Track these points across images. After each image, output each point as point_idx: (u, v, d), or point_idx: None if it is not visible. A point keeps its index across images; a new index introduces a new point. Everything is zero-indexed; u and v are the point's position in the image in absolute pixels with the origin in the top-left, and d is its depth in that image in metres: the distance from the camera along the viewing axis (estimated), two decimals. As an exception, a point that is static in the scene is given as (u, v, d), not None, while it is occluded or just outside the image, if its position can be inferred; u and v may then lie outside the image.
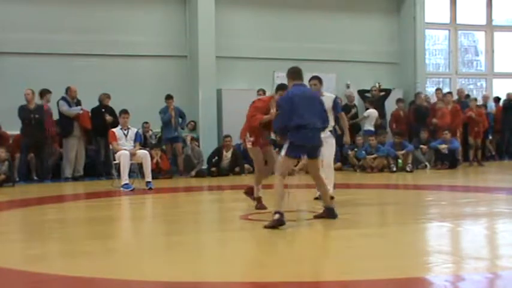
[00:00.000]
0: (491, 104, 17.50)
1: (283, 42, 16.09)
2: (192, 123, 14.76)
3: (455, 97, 16.62)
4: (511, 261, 5.06)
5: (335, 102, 8.98)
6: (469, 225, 6.98)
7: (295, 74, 7.17)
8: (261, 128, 8.03)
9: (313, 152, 7.01)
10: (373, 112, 15.34)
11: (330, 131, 8.86)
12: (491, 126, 16.72)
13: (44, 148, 13.18)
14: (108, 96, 13.64)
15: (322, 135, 8.56)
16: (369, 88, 16.30)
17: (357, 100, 16.20)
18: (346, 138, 9.39)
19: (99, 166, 13.68)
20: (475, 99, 16.34)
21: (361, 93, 16.18)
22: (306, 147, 6.91)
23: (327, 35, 16.59)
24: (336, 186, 9.41)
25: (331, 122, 8.77)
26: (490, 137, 17.07)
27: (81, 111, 13.23)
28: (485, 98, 17.31)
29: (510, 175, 13.75)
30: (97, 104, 13.70)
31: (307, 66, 15.46)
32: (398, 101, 16.07)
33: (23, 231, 7.34)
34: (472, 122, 15.52)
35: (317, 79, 8.81)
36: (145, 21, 15.24)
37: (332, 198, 8.89)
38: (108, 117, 13.28)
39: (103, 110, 13.49)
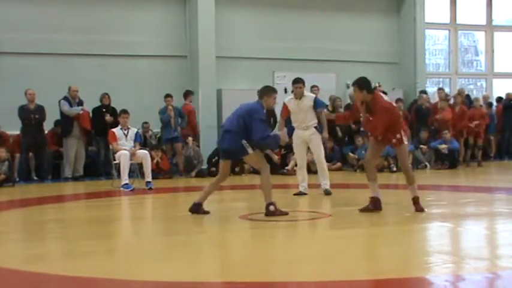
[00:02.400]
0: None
1: (283, 42, 16.10)
2: None
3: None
4: (511, 261, 5.05)
5: (315, 101, 9.47)
6: (469, 225, 6.98)
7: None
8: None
9: (223, 154, 7.69)
10: None
11: (315, 127, 9.25)
12: (491, 126, 16.71)
13: (44, 148, 13.19)
14: (105, 96, 13.60)
15: (308, 133, 9.11)
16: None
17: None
18: (324, 134, 9.61)
19: (99, 166, 13.71)
20: (477, 99, 16.38)
21: None
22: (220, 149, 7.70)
23: (327, 35, 16.60)
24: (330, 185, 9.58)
25: (314, 120, 9.41)
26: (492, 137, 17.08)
27: (81, 111, 13.23)
28: (486, 98, 17.31)
29: (510, 175, 13.75)
30: (97, 103, 13.71)
31: (307, 66, 15.74)
32: (398, 100, 16.07)
33: (23, 231, 7.34)
34: (470, 121, 15.53)
35: (301, 82, 9.47)
36: (145, 21, 15.24)
37: (329, 193, 9.22)
38: (108, 118, 13.29)
39: (104, 109, 13.50)
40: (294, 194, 9.53)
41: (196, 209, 7.63)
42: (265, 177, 7.42)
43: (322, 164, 9.53)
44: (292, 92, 9.74)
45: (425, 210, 7.40)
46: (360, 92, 7.31)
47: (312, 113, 9.39)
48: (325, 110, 10.17)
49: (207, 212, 7.65)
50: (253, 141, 7.32)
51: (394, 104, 7.57)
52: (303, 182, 9.59)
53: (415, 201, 7.42)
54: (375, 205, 7.49)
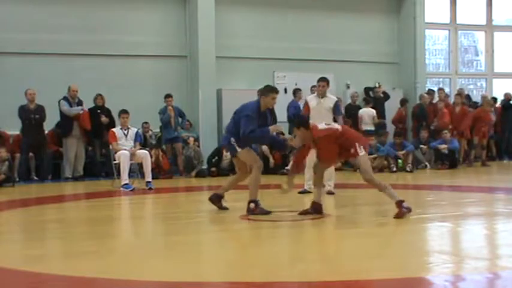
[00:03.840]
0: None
1: (283, 42, 16.10)
2: (187, 123, 14.74)
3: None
4: (511, 261, 5.05)
5: (336, 105, 9.53)
6: (469, 225, 6.98)
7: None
8: None
9: None
10: (366, 111, 15.27)
11: None
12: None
13: (44, 148, 13.19)
14: (98, 97, 13.58)
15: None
16: (372, 88, 16.34)
17: (361, 100, 16.17)
18: None
19: (97, 166, 13.72)
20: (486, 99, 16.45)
21: (366, 91, 16.24)
22: None
23: (327, 35, 16.60)
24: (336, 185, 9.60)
25: (330, 122, 9.19)
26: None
27: (81, 111, 13.23)
28: (483, 98, 17.28)
29: (510, 175, 13.75)
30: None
31: (307, 66, 15.74)
32: (403, 101, 16.13)
33: (23, 231, 7.33)
34: (479, 122, 15.52)
35: (326, 81, 9.50)
36: (145, 21, 15.25)
37: (332, 193, 9.23)
38: (104, 119, 13.30)
39: (98, 111, 13.48)
40: (299, 192, 9.55)
41: (214, 199, 8.02)
42: (254, 175, 7.57)
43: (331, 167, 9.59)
44: (312, 88, 9.77)
45: (406, 215, 6.96)
46: (299, 131, 7.13)
47: (330, 115, 9.39)
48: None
49: (224, 208, 7.94)
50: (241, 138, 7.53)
51: (335, 126, 7.31)
52: (309, 180, 9.60)
53: (397, 205, 6.99)
54: (315, 210, 7.39)
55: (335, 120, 9.51)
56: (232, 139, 7.57)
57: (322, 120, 9.33)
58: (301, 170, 8.02)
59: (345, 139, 7.13)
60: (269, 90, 7.70)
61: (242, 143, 7.55)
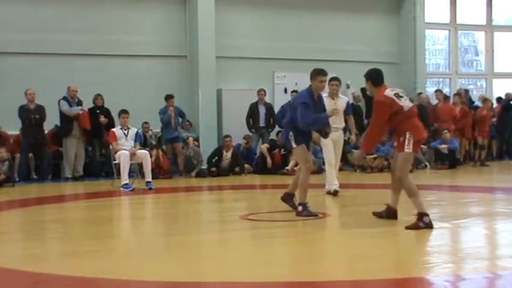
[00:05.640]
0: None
1: (283, 42, 16.10)
2: (188, 123, 14.73)
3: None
4: (511, 261, 5.06)
5: (347, 105, 9.57)
6: (469, 225, 6.97)
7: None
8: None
9: None
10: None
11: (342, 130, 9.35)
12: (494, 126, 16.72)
13: (44, 148, 13.18)
14: (98, 97, 13.59)
15: (337, 134, 9.01)
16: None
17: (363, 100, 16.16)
18: (353, 137, 9.65)
19: (96, 166, 13.72)
20: (486, 99, 16.44)
21: (363, 90, 16.23)
22: None
23: (327, 35, 16.59)
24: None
25: (343, 123, 9.26)
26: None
27: (81, 111, 13.23)
28: (482, 98, 17.26)
29: (510, 175, 13.74)
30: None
31: (307, 66, 15.43)
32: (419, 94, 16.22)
33: (23, 231, 7.34)
34: (481, 122, 15.52)
35: (338, 80, 9.39)
36: (145, 21, 15.25)
37: (336, 193, 9.14)
38: (103, 119, 13.30)
39: (98, 111, 13.48)
40: (328, 193, 9.39)
41: (287, 198, 7.70)
42: (303, 176, 7.35)
43: (336, 166, 9.59)
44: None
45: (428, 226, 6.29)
46: (366, 84, 6.67)
47: (342, 115, 9.34)
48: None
49: (294, 206, 7.52)
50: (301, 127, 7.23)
51: (403, 103, 6.37)
52: (335, 180, 9.44)
53: (418, 216, 6.32)
54: (388, 214, 6.90)
55: (346, 122, 9.55)
56: (291, 134, 7.33)
57: (336, 121, 9.02)
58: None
59: (405, 120, 6.37)
60: (316, 73, 7.40)
61: (299, 138, 7.30)
